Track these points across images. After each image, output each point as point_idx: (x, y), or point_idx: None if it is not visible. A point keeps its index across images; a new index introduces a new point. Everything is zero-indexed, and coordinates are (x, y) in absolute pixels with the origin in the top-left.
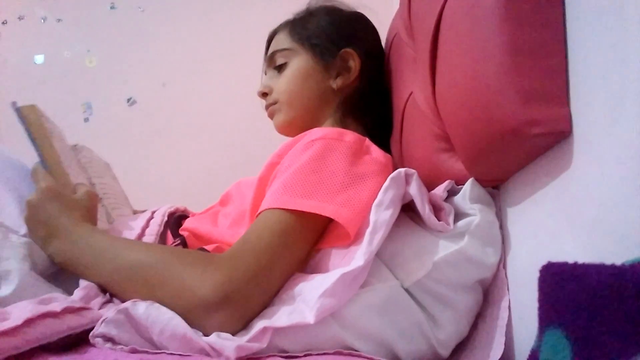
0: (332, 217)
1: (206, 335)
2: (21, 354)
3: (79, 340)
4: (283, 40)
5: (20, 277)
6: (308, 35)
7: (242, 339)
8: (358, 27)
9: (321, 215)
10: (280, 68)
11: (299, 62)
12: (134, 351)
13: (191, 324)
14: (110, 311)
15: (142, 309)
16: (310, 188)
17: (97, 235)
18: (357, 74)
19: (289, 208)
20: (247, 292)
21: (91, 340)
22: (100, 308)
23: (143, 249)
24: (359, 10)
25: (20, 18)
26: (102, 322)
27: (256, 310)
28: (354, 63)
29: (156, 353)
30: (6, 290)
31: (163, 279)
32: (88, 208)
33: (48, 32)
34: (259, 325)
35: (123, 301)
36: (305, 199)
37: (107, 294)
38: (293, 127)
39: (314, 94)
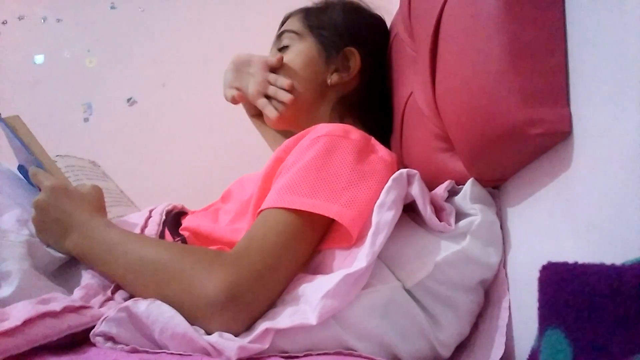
0: (335, 218)
1: (209, 334)
2: (21, 354)
3: (79, 340)
4: (294, 23)
5: (20, 277)
6: (318, 25)
7: (244, 340)
8: (370, 29)
9: (325, 216)
10: (283, 50)
11: (302, 47)
12: (134, 351)
13: (196, 322)
14: (111, 310)
15: (143, 307)
16: (314, 187)
17: (110, 229)
18: (355, 75)
19: (293, 208)
20: (252, 293)
21: (92, 339)
22: (100, 306)
23: (154, 244)
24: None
25: (20, 18)
26: (102, 321)
27: (261, 311)
28: (354, 63)
29: (156, 353)
30: (7, 290)
31: (171, 276)
32: (96, 201)
33: (48, 32)
34: (261, 326)
35: (131, 297)
36: (309, 198)
37: (108, 292)
38: (282, 120)
39: (307, 82)
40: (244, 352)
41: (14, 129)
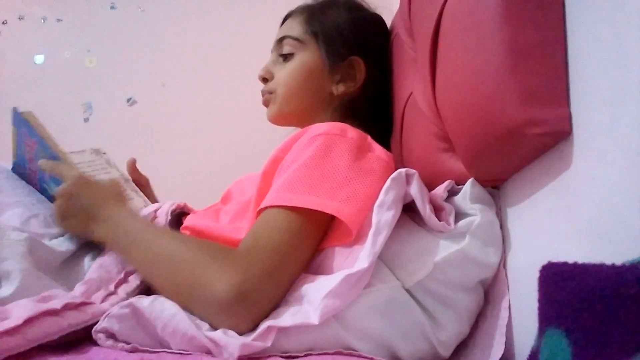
0: (334, 214)
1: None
2: (21, 353)
3: (80, 339)
4: (296, 27)
5: (21, 277)
6: (323, 31)
7: (247, 338)
8: (374, 33)
9: (324, 212)
10: (285, 57)
11: (306, 58)
12: (134, 350)
13: (205, 318)
14: (115, 307)
15: (146, 302)
16: (313, 184)
17: (136, 219)
18: (360, 84)
19: (292, 205)
20: (260, 292)
21: (94, 336)
22: (102, 301)
23: (173, 238)
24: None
25: (20, 18)
26: (105, 317)
27: (268, 310)
28: (360, 74)
29: (156, 352)
30: (7, 290)
31: (184, 271)
32: (118, 194)
33: (48, 32)
34: (264, 324)
35: (134, 290)
36: (307, 196)
37: (111, 286)
38: (285, 120)
39: (312, 93)
40: (246, 350)
41: (30, 122)
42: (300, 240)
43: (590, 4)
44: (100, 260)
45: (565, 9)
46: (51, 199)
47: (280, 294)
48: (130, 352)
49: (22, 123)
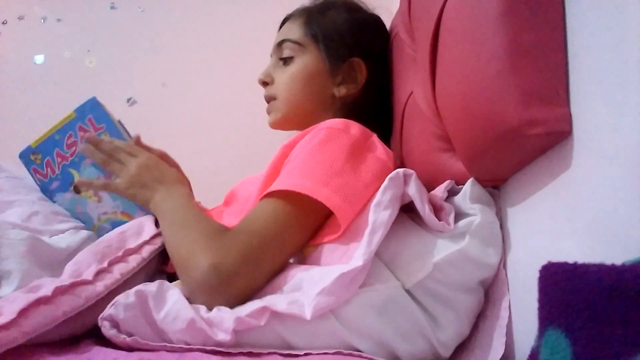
0: (323, 201)
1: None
2: (21, 353)
3: (79, 338)
4: (295, 30)
5: (20, 277)
6: (323, 33)
7: (242, 313)
8: (374, 34)
9: (313, 198)
10: (285, 61)
11: (306, 61)
12: (134, 343)
13: (188, 294)
14: (122, 295)
15: (154, 288)
16: (308, 170)
17: (185, 201)
18: (362, 85)
19: (286, 189)
20: (235, 272)
21: (99, 323)
22: (95, 276)
23: (194, 219)
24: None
25: (20, 18)
26: (112, 305)
27: (243, 291)
28: (361, 75)
29: (155, 351)
30: (7, 289)
31: (181, 248)
32: (180, 176)
33: (48, 32)
34: (258, 304)
35: (129, 273)
36: (301, 179)
37: (105, 263)
38: (287, 125)
39: (314, 96)
40: (241, 324)
41: (106, 111)
42: (286, 226)
43: (590, 4)
44: (106, 236)
45: (565, 10)
46: (69, 185)
47: (258, 277)
48: (130, 351)
49: (96, 110)
